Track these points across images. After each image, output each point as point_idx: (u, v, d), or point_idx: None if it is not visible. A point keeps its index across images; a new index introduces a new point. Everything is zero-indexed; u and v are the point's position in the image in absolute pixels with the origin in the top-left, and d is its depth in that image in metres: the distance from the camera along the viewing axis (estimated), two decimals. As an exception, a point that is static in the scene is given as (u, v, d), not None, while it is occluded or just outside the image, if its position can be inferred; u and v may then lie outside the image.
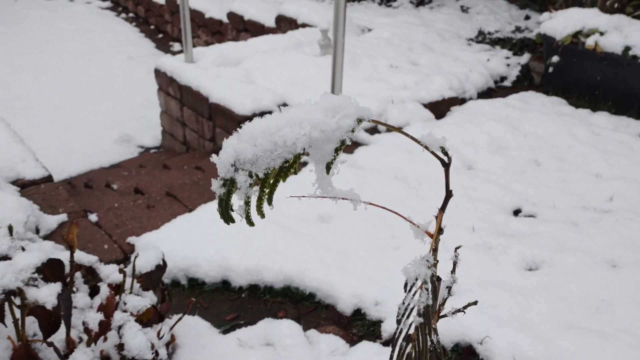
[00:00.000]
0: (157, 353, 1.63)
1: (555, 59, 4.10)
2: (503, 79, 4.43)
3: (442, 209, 0.62)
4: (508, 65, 4.54)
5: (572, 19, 4.01)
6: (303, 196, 0.63)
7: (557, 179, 3.05)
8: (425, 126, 3.50)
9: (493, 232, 2.60)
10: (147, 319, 1.67)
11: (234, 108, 3.51)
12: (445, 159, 0.58)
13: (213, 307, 2.27)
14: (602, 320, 2.13)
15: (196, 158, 3.71)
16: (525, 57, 4.63)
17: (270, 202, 0.54)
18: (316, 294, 2.28)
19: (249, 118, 3.52)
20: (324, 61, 4.20)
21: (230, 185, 0.54)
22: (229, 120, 3.55)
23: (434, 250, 0.65)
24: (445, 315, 0.71)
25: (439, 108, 3.77)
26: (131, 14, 8.88)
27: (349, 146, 3.35)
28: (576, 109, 3.91)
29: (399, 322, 0.55)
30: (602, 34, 3.86)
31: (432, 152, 0.58)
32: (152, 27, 8.20)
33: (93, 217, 2.69)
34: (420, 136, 0.58)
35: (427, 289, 0.56)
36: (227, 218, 0.55)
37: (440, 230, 0.64)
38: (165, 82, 4.13)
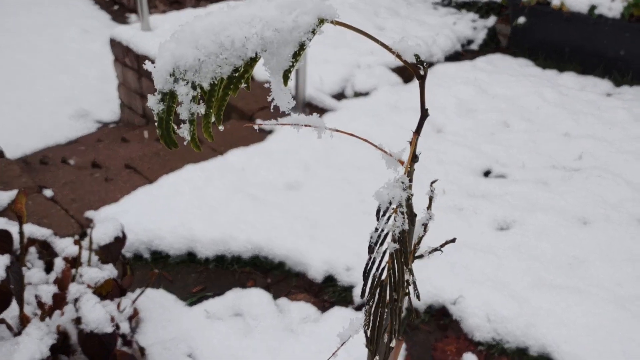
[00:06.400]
0: (117, 326, 1.53)
1: (521, 20, 4.06)
2: (470, 42, 4.38)
3: (417, 131, 0.54)
4: (475, 28, 4.49)
5: (538, -20, 3.96)
6: (260, 124, 0.54)
7: (526, 139, 3.03)
8: (393, 90, 3.43)
9: (464, 194, 2.56)
10: (106, 291, 1.57)
11: (195, 76, 3.37)
12: (420, 70, 0.50)
13: (178, 280, 2.18)
14: (575, 276, 2.11)
15: (156, 130, 3.57)
16: (491, 20, 4.58)
17: (219, 120, 0.46)
18: (286, 262, 2.21)
19: (211, 86, 3.38)
20: (287, 27, 4.07)
21: (170, 100, 0.45)
22: (190, 90, 3.41)
23: (409, 181, 0.58)
24: (421, 256, 0.64)
25: (407, 72, 3.70)
26: (85, -13, 8.50)
27: (316, 112, 3.26)
28: (543, 69, 3.89)
29: (371, 250, 0.48)
30: (567, -7, 3.83)
31: (405, 62, 0.50)
32: (108, -1, 7.87)
33: (48, 193, 2.55)
34: (392, 49, 0.50)
35: (402, 213, 0.48)
36: (170, 141, 0.46)
37: (415, 158, 0.56)
38: (122, 53, 3.95)
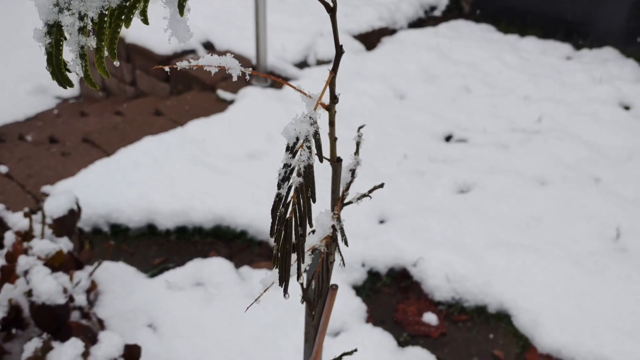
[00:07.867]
0: (72, 298, 1.51)
1: (483, -15, 4.05)
2: (433, 8, 4.36)
3: (334, 69, 0.53)
4: (438, -6, 4.47)
5: (499, -56, 3.94)
6: (171, 66, 0.52)
7: (487, 104, 3.05)
8: (356, 57, 3.41)
9: (425, 159, 2.57)
10: (58, 263, 1.54)
11: (153, 48, 3.30)
12: (330, 2, 0.49)
13: (139, 253, 2.16)
14: (532, 235, 2.15)
15: (116, 103, 3.49)
16: (454, -14, 4.57)
17: (113, 55, 0.43)
18: (248, 231, 2.20)
19: (170, 58, 3.32)
20: (248, -4, 3.99)
21: (57, 32, 0.42)
22: (149, 61, 3.34)
23: (331, 123, 0.56)
24: (350, 202, 0.63)
25: (370, 39, 3.68)
26: (42, -40, 8.19)
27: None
28: (505, 34, 3.90)
29: (278, 186, 0.47)
30: (528, -42, 3.83)
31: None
32: (66, -28, 7.60)
33: (3, 169, 2.48)
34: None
35: (308, 147, 0.47)
36: (62, 79, 0.43)
37: (334, 98, 0.55)
38: (78, 25, 3.83)
